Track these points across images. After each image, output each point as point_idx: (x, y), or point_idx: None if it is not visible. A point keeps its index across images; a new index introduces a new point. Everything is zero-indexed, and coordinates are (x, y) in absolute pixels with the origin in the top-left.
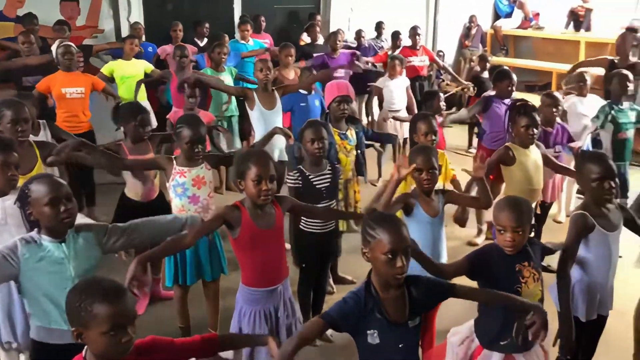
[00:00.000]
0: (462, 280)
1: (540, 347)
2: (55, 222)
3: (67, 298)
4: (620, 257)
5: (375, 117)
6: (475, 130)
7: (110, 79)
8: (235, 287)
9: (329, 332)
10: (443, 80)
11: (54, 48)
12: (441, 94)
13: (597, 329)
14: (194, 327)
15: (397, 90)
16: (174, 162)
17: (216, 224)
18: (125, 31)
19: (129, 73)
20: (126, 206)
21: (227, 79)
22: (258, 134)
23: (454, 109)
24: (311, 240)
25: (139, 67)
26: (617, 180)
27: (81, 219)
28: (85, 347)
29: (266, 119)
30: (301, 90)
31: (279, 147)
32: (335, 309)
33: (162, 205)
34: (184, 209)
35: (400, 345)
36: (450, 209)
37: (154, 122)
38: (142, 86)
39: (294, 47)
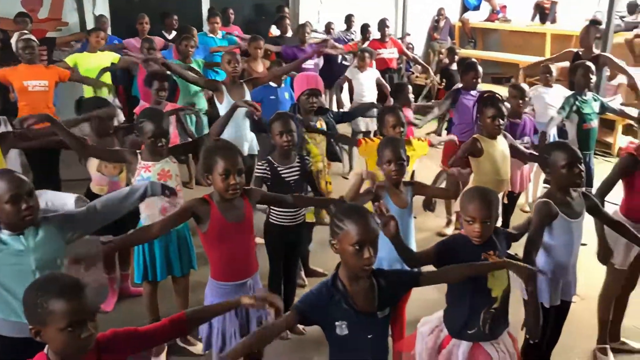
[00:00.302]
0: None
1: (508, 334)
2: (16, 219)
3: (24, 296)
4: (584, 244)
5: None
6: (445, 125)
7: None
8: (205, 282)
9: (301, 325)
10: (412, 73)
11: (13, 40)
12: (410, 86)
13: (561, 314)
14: None
15: (367, 83)
16: (139, 156)
17: (184, 216)
18: (90, 24)
19: (94, 66)
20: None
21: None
22: (227, 128)
23: (423, 101)
24: (280, 232)
25: (105, 60)
26: (583, 165)
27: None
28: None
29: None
30: (271, 83)
31: (248, 141)
32: (303, 299)
33: None
34: (150, 204)
35: (369, 336)
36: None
37: (121, 117)
38: (110, 80)
39: (263, 39)
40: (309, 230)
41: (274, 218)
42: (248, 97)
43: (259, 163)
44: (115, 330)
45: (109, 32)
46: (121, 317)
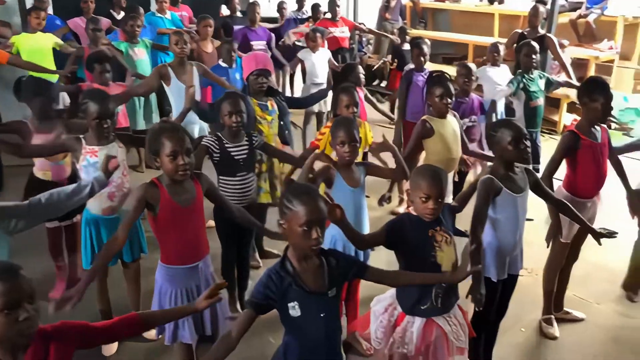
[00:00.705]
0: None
1: (458, 308)
2: None
3: None
4: (530, 219)
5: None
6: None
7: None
8: (155, 267)
9: None
10: (365, 54)
11: None
12: (361, 67)
13: (508, 287)
14: (117, 310)
15: (319, 63)
16: (83, 141)
17: (140, 207)
18: (29, 2)
19: (34, 47)
20: (36, 187)
21: (142, 52)
22: (176, 110)
23: (376, 82)
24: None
25: (46, 42)
26: (529, 141)
27: None
28: None
29: (183, 94)
30: (222, 64)
31: (198, 123)
32: (256, 294)
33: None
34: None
35: (321, 315)
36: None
37: (67, 100)
38: (52, 60)
39: (212, 19)
40: (262, 211)
41: None
42: (196, 79)
43: (209, 135)
44: (65, 321)
45: (50, 11)
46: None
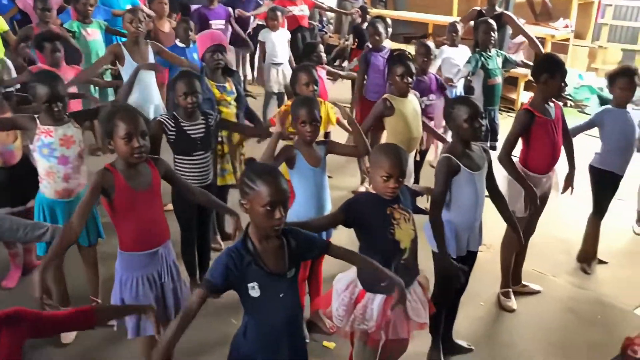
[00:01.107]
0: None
1: (418, 284)
2: None
3: None
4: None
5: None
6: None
7: None
8: (113, 253)
9: None
10: (326, 33)
11: None
12: (322, 46)
13: (468, 264)
14: (76, 297)
15: (279, 43)
16: (37, 121)
17: (95, 194)
18: None
19: None
20: None
21: (96, 32)
22: (132, 91)
23: (338, 62)
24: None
25: None
26: (485, 120)
27: None
28: None
29: (139, 75)
30: (178, 43)
31: (154, 104)
32: (213, 273)
33: (26, 169)
34: (52, 171)
35: (281, 295)
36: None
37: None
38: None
39: None
40: (223, 192)
41: None
42: (152, 59)
43: (164, 114)
44: (19, 308)
45: None
46: (26, 292)
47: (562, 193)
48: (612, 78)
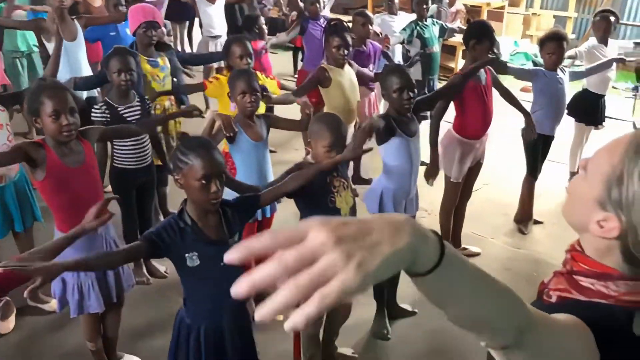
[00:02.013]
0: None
1: None
2: None
3: None
4: (426, 163)
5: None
6: (300, 56)
7: None
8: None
9: (163, 268)
10: (265, 6)
11: None
12: (263, 18)
13: None
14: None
15: (216, 15)
16: None
17: (14, 156)
18: None
19: None
20: None
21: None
22: (62, 69)
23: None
24: (127, 177)
25: None
26: (415, 91)
27: None
28: None
29: (68, 52)
30: None
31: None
32: (153, 230)
33: None
34: None
35: (221, 264)
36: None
37: None
38: None
39: None
40: (164, 172)
41: (118, 161)
42: (80, 35)
43: (96, 106)
44: None
45: None
46: None
47: (528, 140)
48: (542, 43)
